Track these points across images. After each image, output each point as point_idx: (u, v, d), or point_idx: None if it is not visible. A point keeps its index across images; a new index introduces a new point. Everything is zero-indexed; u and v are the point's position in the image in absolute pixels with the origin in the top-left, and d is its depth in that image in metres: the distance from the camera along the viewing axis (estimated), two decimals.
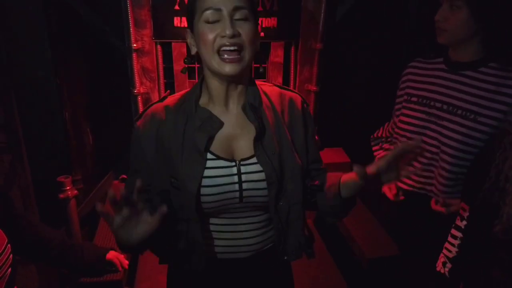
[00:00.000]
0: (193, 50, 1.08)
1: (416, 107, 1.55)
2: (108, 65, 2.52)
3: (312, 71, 2.38)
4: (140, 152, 1.11)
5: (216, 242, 1.16)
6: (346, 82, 2.87)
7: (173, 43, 2.15)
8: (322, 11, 2.24)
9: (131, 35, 2.06)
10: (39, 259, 1.38)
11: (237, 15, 0.99)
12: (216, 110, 1.10)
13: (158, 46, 2.16)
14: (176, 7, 2.05)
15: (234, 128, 1.09)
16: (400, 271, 1.80)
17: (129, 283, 1.87)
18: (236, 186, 1.07)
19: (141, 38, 2.11)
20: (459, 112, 1.42)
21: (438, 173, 1.49)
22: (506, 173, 1.08)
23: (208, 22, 0.99)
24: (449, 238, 1.34)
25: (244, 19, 1.00)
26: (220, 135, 1.08)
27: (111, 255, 1.64)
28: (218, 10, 0.97)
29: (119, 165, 2.61)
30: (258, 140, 1.07)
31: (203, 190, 1.06)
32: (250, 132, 1.08)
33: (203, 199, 1.06)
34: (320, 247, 2.34)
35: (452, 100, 1.45)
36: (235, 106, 1.10)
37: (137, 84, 2.17)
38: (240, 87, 1.09)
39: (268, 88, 1.16)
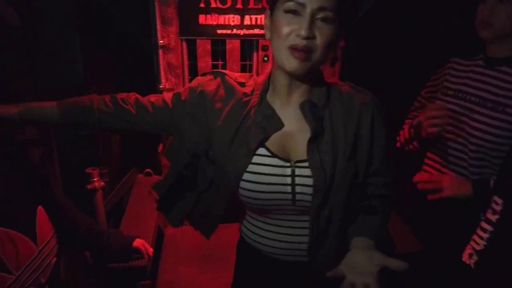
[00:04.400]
0: (267, 35, 1.02)
1: (451, 99, 1.60)
2: (134, 61, 2.58)
3: (334, 69, 2.39)
4: (181, 102, 1.12)
5: (275, 244, 1.13)
6: (370, 79, 2.85)
7: (198, 40, 2.20)
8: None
9: (158, 32, 2.12)
10: (68, 243, 1.43)
11: (320, 15, 0.92)
12: (277, 104, 1.06)
13: (184, 43, 2.21)
14: (202, 5, 2.10)
15: (292, 126, 1.05)
16: (425, 267, 1.79)
17: (152, 274, 1.90)
18: (289, 188, 1.03)
19: (167, 35, 2.16)
20: (489, 105, 1.46)
21: (466, 165, 1.51)
22: None
23: (287, 13, 0.93)
24: (478, 231, 1.33)
25: (327, 20, 0.92)
26: (278, 132, 1.05)
27: (138, 242, 1.68)
28: (302, 5, 0.91)
29: (144, 160, 2.66)
30: (313, 143, 1.01)
31: (245, 185, 1.04)
32: (308, 132, 1.02)
33: (244, 193, 1.05)
34: None
35: (484, 94, 1.49)
36: (296, 103, 1.05)
37: (163, 80, 2.22)
38: (304, 84, 1.03)
39: (339, 88, 1.08)
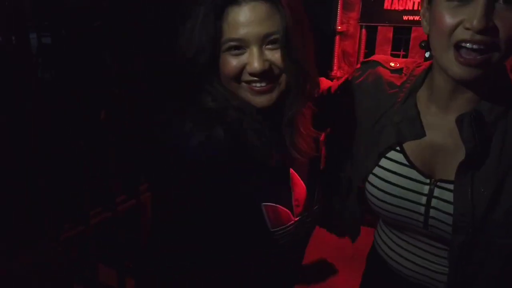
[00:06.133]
0: (426, 29, 0.80)
1: None
2: None
3: None
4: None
5: (407, 264, 0.96)
6: None
7: (379, 27, 2.03)
8: None
9: (338, 17, 2.04)
10: None
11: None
12: (432, 108, 0.85)
13: (363, 30, 2.07)
14: None
15: (445, 139, 0.83)
16: None
17: None
18: (422, 209, 0.84)
19: (347, 21, 2.06)
20: None
21: None
22: None
23: (453, 0, 0.69)
24: None
25: (508, 4, 0.67)
26: (424, 141, 0.85)
27: None
28: None
29: None
30: (466, 165, 0.78)
31: (372, 190, 0.90)
32: (463, 152, 0.79)
33: (370, 198, 0.92)
34: None
35: None
36: (458, 112, 0.80)
37: (335, 67, 2.14)
38: (471, 93, 0.78)
39: None
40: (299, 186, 0.91)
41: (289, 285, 1.05)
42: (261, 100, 0.80)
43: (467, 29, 0.67)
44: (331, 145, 1.08)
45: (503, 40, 0.67)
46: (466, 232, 0.79)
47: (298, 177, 0.91)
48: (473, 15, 0.66)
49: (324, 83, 1.04)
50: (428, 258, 0.92)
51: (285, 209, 0.87)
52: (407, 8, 1.92)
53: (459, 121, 0.79)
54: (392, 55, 2.03)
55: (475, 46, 0.67)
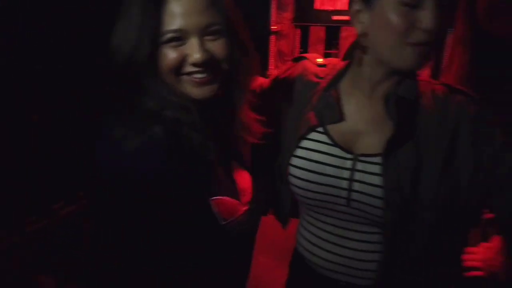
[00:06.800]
0: (360, 29, 0.86)
1: None
2: None
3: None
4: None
5: (325, 255, 0.97)
6: None
7: (311, 27, 2.13)
8: None
9: (272, 17, 2.10)
10: None
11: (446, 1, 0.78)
12: (355, 97, 0.93)
13: (298, 30, 2.16)
14: None
15: (368, 121, 0.91)
16: None
17: None
18: (344, 183, 0.88)
19: (281, 21, 2.13)
20: None
21: None
22: None
23: (405, 4, 0.77)
24: None
25: (445, 7, 0.79)
26: (347, 124, 0.92)
27: None
28: None
29: None
30: (393, 142, 0.85)
31: (294, 171, 0.93)
32: (387, 130, 0.86)
33: (294, 181, 0.94)
34: None
35: None
36: (381, 96, 0.90)
37: (272, 66, 2.20)
38: (396, 79, 0.89)
39: (433, 86, 0.91)
40: (243, 176, 0.93)
41: (241, 278, 1.03)
42: (202, 92, 0.81)
43: (424, 30, 0.77)
44: (267, 137, 1.11)
45: (440, 34, 0.81)
46: (397, 208, 0.84)
47: (241, 167, 0.93)
48: (427, 18, 0.76)
49: (259, 80, 1.08)
50: (355, 247, 0.92)
51: (233, 200, 0.88)
52: (336, 8, 2.03)
53: (386, 100, 0.89)
54: (326, 54, 2.14)
55: (428, 43, 0.78)
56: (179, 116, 0.80)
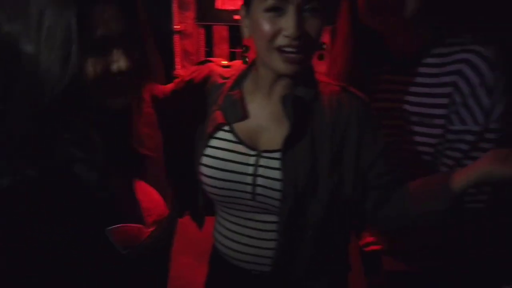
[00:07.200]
0: (246, 33, 0.91)
1: None
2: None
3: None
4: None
5: (236, 247, 1.01)
6: None
7: (214, 27, 2.15)
8: None
9: (174, 17, 2.08)
10: None
11: (308, 6, 0.82)
12: (257, 94, 0.98)
13: (201, 29, 2.16)
14: None
15: (269, 119, 0.96)
16: None
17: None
18: (249, 179, 0.93)
19: (184, 20, 2.12)
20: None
21: None
22: None
23: (268, 11, 0.82)
24: None
25: (314, 11, 0.83)
26: (251, 122, 0.97)
27: None
28: (284, 0, 0.81)
29: None
30: (290, 139, 0.91)
31: (204, 170, 0.97)
32: (286, 128, 0.92)
33: (205, 180, 0.97)
34: None
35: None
36: (279, 96, 0.95)
37: (179, 66, 2.18)
38: (289, 81, 0.94)
39: (330, 88, 0.97)
40: (148, 194, 0.89)
41: (160, 279, 1.02)
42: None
43: (286, 36, 0.82)
44: (175, 144, 1.07)
45: (311, 40, 0.84)
46: (292, 200, 0.91)
47: (146, 184, 0.89)
48: (289, 25, 0.81)
49: (157, 88, 1.05)
50: (259, 236, 0.98)
51: (133, 226, 0.83)
52: (237, 8, 2.06)
53: (283, 100, 0.94)
54: (231, 53, 2.18)
55: (293, 49, 0.83)
56: (72, 153, 0.74)
